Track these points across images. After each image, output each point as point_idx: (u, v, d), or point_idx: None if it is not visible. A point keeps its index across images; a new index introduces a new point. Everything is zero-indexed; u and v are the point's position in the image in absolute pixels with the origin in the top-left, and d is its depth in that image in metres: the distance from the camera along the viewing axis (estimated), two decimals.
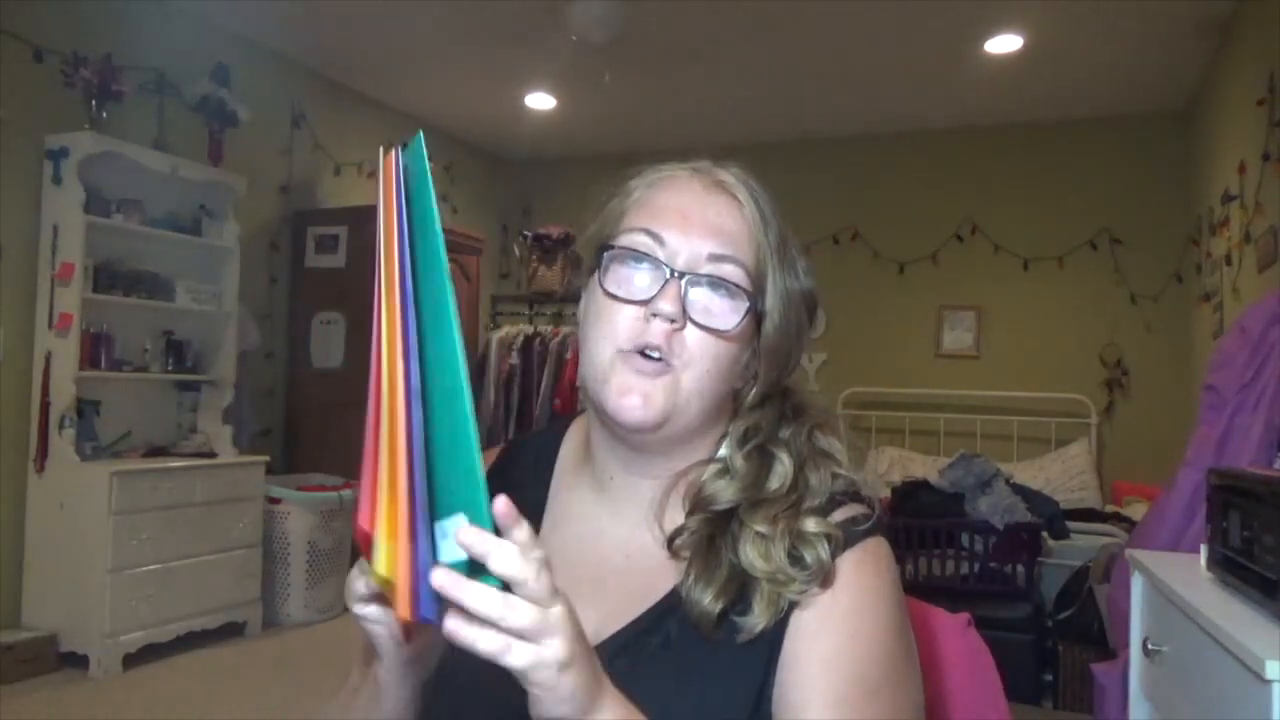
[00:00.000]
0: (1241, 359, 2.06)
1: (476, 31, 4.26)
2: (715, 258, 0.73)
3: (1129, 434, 4.98)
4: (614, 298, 0.73)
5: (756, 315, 0.74)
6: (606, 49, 4.09)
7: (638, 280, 0.73)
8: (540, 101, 5.22)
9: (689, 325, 0.72)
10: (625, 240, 0.74)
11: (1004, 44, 4.21)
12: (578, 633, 0.55)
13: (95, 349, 3.58)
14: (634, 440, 0.75)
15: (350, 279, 4.55)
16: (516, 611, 0.51)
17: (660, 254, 0.73)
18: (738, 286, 0.73)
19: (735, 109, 5.24)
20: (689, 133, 5.47)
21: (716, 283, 0.73)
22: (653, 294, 0.71)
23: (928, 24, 4.02)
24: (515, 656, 0.52)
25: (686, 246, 0.73)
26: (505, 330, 5.02)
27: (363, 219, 4.59)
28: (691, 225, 0.74)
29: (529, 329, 4.65)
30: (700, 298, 0.72)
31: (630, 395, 0.71)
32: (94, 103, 3.57)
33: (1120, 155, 5.08)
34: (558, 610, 0.53)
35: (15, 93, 3.43)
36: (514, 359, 4.89)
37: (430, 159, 0.55)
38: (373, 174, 5.17)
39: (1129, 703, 1.74)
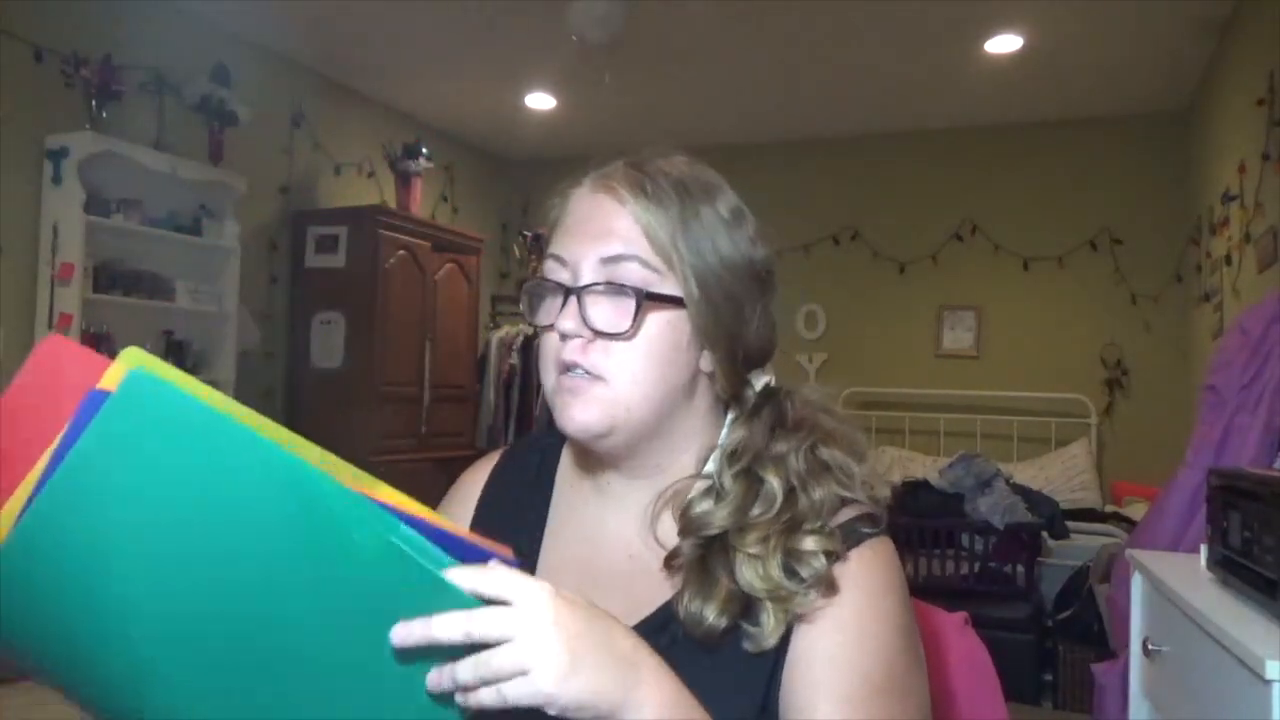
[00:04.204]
0: (1241, 359, 2.06)
1: (476, 31, 4.25)
2: (606, 260, 0.73)
3: (1129, 434, 4.98)
4: (537, 328, 0.76)
5: (667, 300, 0.72)
6: (606, 49, 4.08)
7: (549, 305, 0.75)
8: (540, 101, 5.21)
9: (597, 337, 0.72)
10: (543, 269, 0.77)
11: (1004, 44, 4.21)
12: (565, 667, 0.53)
13: (95, 349, 3.55)
14: (598, 449, 0.76)
15: (350, 279, 4.55)
16: (480, 621, 0.52)
17: (565, 275, 0.74)
18: (623, 285, 0.72)
19: (735, 109, 5.23)
20: (689, 133, 5.46)
21: (605, 287, 0.72)
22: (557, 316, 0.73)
23: (928, 24, 4.01)
24: (485, 695, 0.53)
25: (582, 259, 0.73)
26: (505, 330, 5.02)
27: (363, 219, 4.60)
28: (584, 237, 0.74)
29: (529, 329, 4.64)
30: (598, 306, 0.72)
31: (569, 409, 0.73)
32: (94, 103, 3.58)
33: (1120, 155, 5.08)
34: (532, 641, 0.52)
35: (15, 93, 3.43)
36: (514, 359, 4.89)
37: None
38: (372, 174, 5.17)
39: (1129, 703, 1.74)
